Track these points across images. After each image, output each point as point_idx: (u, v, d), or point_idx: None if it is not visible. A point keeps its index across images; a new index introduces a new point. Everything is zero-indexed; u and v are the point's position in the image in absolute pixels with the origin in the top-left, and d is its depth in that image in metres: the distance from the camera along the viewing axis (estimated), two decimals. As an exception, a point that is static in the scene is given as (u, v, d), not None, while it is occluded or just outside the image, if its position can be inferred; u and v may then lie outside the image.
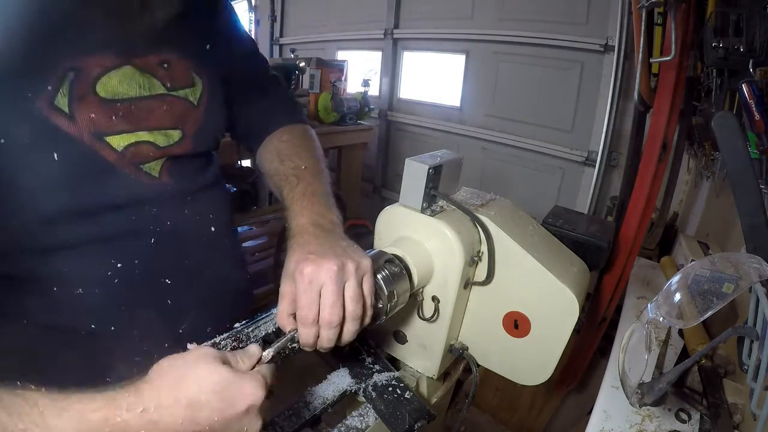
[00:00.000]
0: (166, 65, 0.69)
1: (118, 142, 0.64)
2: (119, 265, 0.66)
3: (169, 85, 0.69)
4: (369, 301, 0.62)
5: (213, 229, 0.78)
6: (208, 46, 0.77)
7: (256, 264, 2.49)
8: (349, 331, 0.61)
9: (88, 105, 0.60)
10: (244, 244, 2.53)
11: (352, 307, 0.60)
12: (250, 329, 0.66)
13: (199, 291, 0.77)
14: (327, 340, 0.60)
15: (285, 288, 0.61)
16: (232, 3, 0.84)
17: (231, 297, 0.85)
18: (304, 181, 0.78)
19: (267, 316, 0.68)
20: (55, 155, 0.58)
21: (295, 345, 0.61)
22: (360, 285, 0.61)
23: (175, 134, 0.71)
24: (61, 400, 0.42)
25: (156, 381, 0.46)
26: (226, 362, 0.48)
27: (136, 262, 0.67)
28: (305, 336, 0.60)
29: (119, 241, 0.66)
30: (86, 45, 0.60)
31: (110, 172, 0.64)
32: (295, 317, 0.60)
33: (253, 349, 0.53)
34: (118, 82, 0.63)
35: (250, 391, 0.47)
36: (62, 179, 0.60)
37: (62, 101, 0.58)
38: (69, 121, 0.59)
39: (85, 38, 0.60)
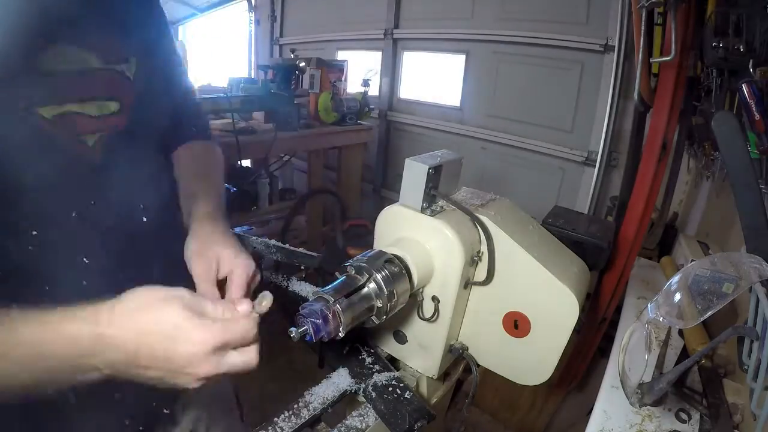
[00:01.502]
0: (103, 42, 0.70)
1: (49, 112, 0.64)
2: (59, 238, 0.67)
3: (106, 58, 0.70)
4: None
5: (150, 225, 0.79)
6: (144, 36, 0.79)
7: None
8: None
9: (25, 78, 0.62)
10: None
11: None
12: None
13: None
14: None
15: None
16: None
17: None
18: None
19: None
20: None
21: None
22: None
23: (112, 105, 0.71)
24: (29, 311, 0.49)
25: (116, 305, 0.52)
26: (195, 308, 0.53)
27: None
28: None
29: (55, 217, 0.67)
30: (29, 22, 0.61)
31: (48, 138, 0.64)
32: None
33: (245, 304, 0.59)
34: (54, 56, 0.64)
35: (197, 339, 0.51)
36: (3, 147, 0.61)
37: None
38: (3, 93, 0.60)
39: (29, 16, 0.60)
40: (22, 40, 0.60)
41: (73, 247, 0.68)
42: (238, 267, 0.70)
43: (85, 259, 0.69)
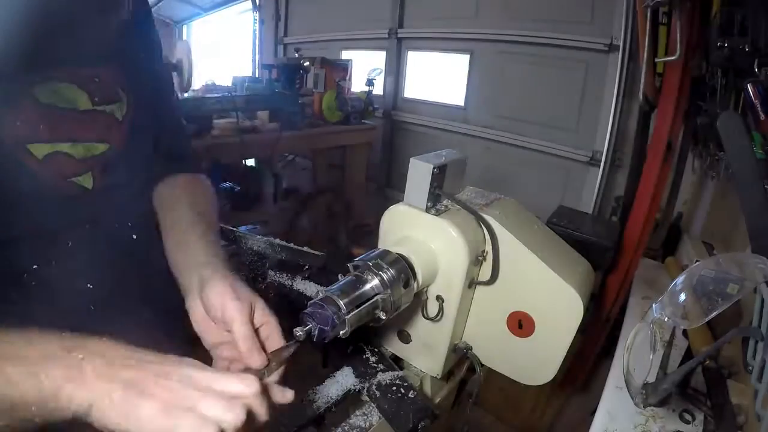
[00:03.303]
0: (97, 79, 0.69)
1: (40, 150, 0.63)
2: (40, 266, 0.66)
3: (96, 99, 0.69)
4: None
5: (140, 242, 0.79)
6: (137, 66, 0.77)
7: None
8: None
9: (20, 111, 0.60)
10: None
11: None
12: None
13: (129, 305, 0.75)
14: None
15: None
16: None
17: (163, 313, 0.80)
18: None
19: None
20: None
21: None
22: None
23: (100, 147, 0.70)
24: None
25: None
26: None
27: (59, 269, 0.68)
28: None
29: (43, 248, 0.66)
30: (27, 56, 0.59)
31: (35, 179, 0.63)
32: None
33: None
34: (51, 91, 0.63)
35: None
36: None
37: None
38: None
39: (27, 50, 0.59)
40: (22, 66, 0.59)
41: (68, 274, 0.68)
42: (272, 319, 0.63)
43: (87, 285, 0.70)
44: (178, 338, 0.80)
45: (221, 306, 0.60)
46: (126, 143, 0.74)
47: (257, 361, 0.57)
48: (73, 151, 0.67)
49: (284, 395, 0.53)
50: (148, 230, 0.80)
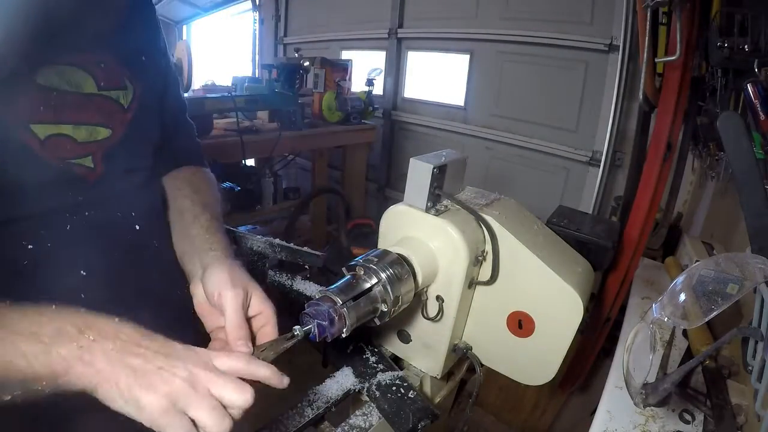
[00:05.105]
0: (102, 65, 0.70)
1: (42, 131, 0.63)
2: (37, 248, 0.66)
3: (102, 84, 0.70)
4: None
5: (144, 233, 0.79)
6: (143, 58, 0.78)
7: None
8: None
9: (23, 92, 0.61)
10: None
11: None
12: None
13: (130, 295, 0.75)
14: None
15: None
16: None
17: (165, 307, 0.82)
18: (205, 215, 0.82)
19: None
20: None
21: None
22: None
23: (103, 131, 0.71)
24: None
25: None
26: None
27: (57, 252, 0.67)
28: None
29: (40, 230, 0.66)
30: (28, 39, 0.60)
31: (35, 160, 0.63)
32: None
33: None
34: (55, 74, 0.64)
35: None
36: None
37: None
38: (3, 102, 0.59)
39: (27, 33, 0.59)
40: (24, 49, 0.59)
41: (68, 259, 0.68)
42: (269, 309, 0.66)
43: (82, 272, 0.69)
44: (181, 329, 0.81)
45: (217, 293, 0.64)
46: (130, 131, 0.75)
47: (243, 349, 0.59)
48: (75, 133, 0.67)
49: (282, 381, 0.56)
50: (153, 222, 0.81)
